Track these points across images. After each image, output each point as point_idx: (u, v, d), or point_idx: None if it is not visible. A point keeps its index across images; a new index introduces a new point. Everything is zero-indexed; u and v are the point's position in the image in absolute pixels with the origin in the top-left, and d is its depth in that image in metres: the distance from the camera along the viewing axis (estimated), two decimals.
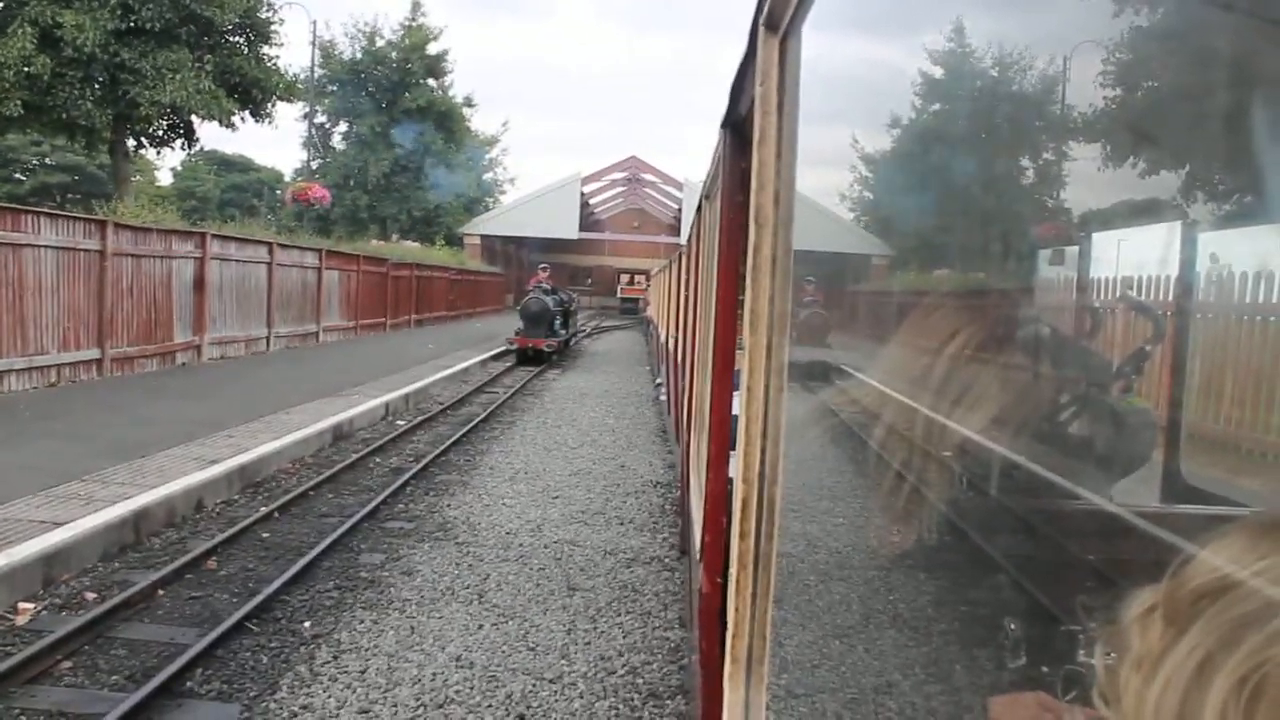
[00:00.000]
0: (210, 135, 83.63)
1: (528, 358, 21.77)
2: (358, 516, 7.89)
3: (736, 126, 2.97)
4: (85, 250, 13.15)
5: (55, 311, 12.57)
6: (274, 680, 4.92)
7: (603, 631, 5.80)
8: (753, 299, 1.66)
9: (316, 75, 35.33)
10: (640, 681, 5.14)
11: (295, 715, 4.56)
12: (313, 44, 33.02)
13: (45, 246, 12.28)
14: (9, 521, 6.42)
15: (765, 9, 1.63)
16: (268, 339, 19.51)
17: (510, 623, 5.84)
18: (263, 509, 8.00)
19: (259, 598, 5.86)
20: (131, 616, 5.60)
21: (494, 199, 50.95)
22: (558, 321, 23.28)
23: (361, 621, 5.74)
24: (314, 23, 46.10)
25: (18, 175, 53.91)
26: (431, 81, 41.78)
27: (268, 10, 24.86)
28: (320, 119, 40.20)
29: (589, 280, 65.52)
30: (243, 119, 25.80)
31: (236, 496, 8.47)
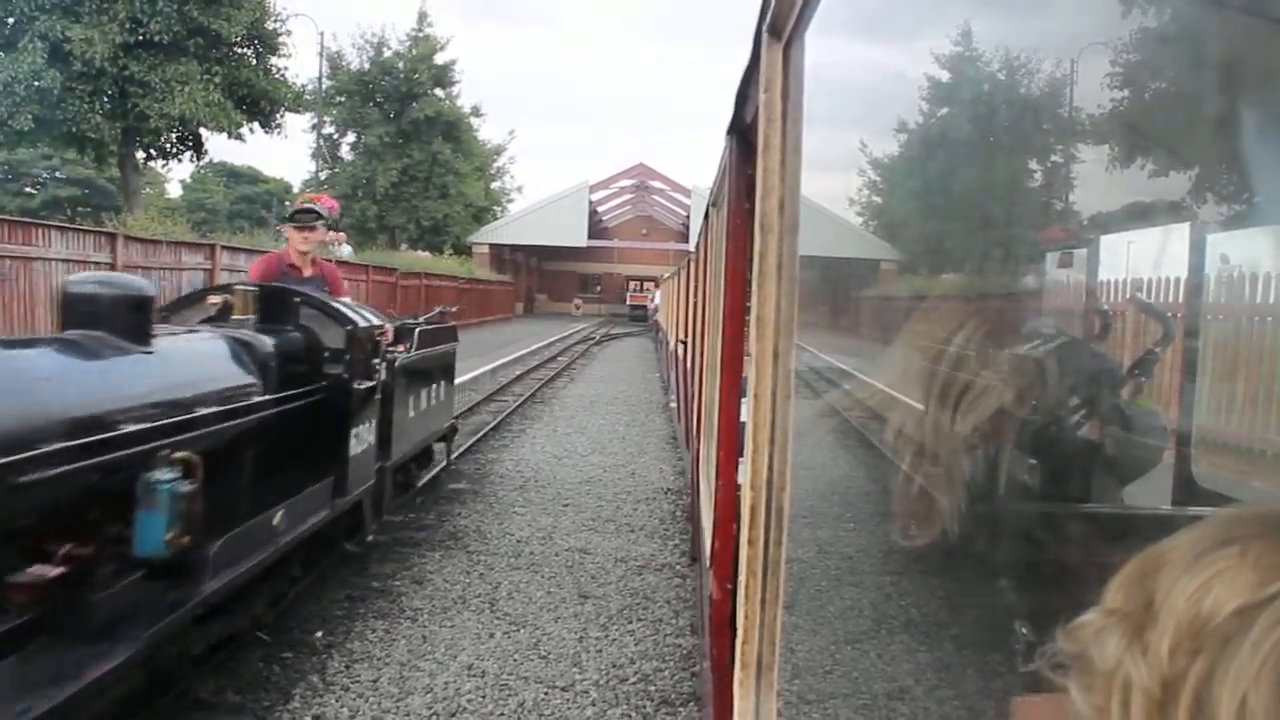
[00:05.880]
0: (219, 147, 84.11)
1: None
2: None
3: (742, 133, 2.97)
4: (96, 263, 13.21)
5: None
6: (286, 690, 4.92)
7: (614, 639, 5.79)
8: (759, 305, 1.66)
9: (324, 86, 35.52)
10: (652, 689, 5.13)
11: None
12: (320, 55, 33.27)
13: (56, 259, 12.36)
14: None
15: (768, 16, 1.63)
16: None
17: (521, 631, 5.83)
18: None
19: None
20: None
21: (502, 207, 51.10)
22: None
23: (374, 631, 5.74)
24: (321, 34, 46.26)
25: (28, 189, 54.35)
26: (439, 91, 41.95)
27: (275, 22, 25.05)
28: (328, 130, 40.39)
29: (598, 288, 65.77)
30: (251, 130, 26.00)
31: None
